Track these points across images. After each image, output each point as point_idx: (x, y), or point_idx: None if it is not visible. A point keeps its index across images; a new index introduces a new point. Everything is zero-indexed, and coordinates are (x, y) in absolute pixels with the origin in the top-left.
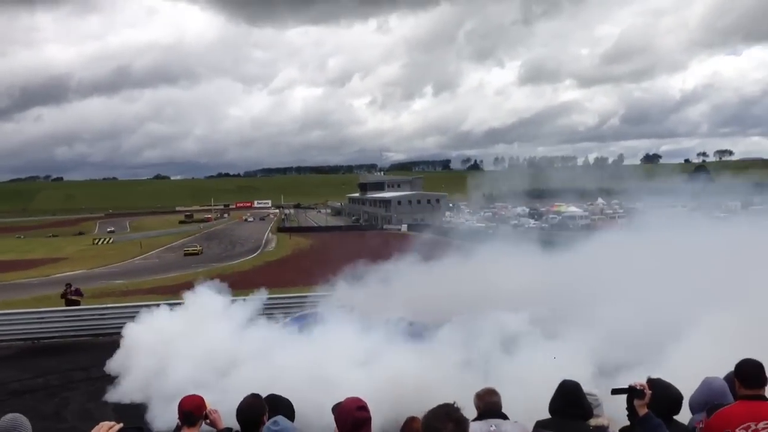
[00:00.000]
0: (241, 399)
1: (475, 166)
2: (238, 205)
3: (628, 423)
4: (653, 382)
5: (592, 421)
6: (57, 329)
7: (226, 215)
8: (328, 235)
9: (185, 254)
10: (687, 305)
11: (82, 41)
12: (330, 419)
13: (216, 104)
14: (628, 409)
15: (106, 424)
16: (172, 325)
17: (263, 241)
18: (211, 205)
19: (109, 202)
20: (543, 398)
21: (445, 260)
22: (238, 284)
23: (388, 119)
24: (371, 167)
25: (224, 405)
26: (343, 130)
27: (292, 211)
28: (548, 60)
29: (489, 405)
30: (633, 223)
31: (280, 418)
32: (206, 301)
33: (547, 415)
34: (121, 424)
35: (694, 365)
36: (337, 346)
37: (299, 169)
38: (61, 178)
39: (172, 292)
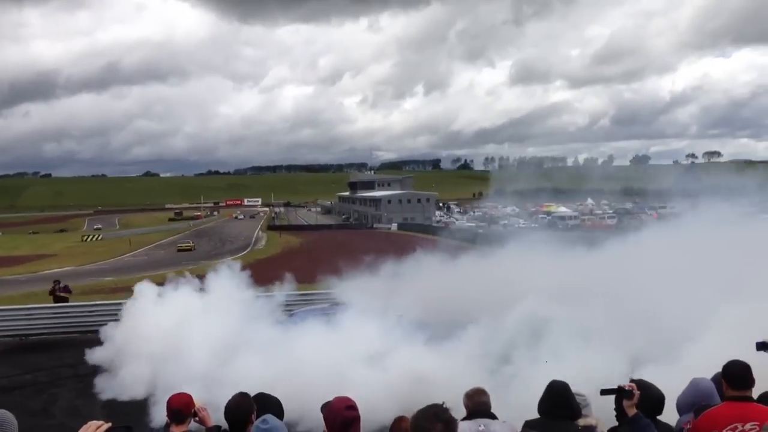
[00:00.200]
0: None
1: (466, 166)
2: (227, 202)
3: (616, 423)
4: (635, 383)
5: (581, 421)
6: (45, 326)
7: (215, 213)
8: (318, 234)
9: (178, 250)
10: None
11: (71, 37)
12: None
13: (206, 102)
14: (616, 409)
15: (94, 424)
16: (186, 306)
17: (253, 239)
18: (200, 203)
19: (98, 199)
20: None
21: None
22: None
23: (378, 118)
24: (361, 166)
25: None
26: (334, 129)
27: (282, 209)
28: (539, 60)
29: (478, 405)
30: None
31: (269, 417)
32: (226, 284)
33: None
34: (110, 424)
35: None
36: (354, 341)
37: (289, 168)
38: (50, 175)
39: None
